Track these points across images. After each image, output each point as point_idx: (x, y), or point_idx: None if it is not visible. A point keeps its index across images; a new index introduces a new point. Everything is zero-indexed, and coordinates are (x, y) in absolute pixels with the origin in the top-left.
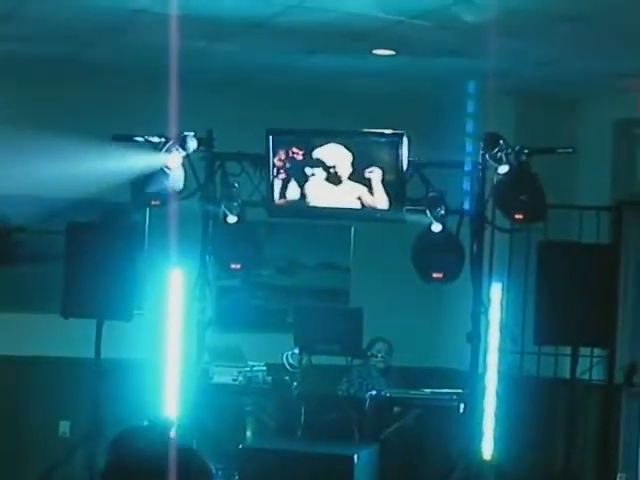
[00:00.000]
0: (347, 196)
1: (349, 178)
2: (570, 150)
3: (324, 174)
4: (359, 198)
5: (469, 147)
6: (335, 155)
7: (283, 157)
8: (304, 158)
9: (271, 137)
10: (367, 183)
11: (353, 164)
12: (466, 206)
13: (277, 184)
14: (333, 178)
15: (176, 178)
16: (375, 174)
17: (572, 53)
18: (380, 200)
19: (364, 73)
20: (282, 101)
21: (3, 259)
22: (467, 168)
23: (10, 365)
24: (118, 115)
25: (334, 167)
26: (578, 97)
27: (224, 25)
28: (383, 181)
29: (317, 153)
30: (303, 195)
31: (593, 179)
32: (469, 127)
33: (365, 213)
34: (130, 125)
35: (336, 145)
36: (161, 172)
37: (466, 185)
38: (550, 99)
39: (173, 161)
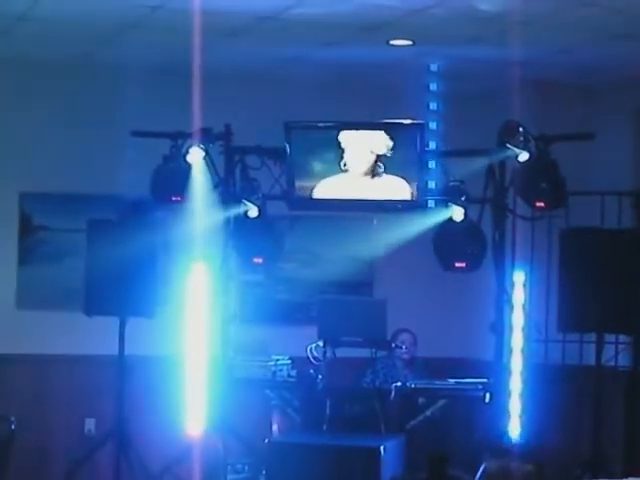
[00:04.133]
0: (368, 187)
1: (369, 169)
2: (590, 136)
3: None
4: (380, 189)
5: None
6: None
7: None
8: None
9: (290, 130)
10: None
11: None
12: (487, 195)
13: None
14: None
15: (196, 173)
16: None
17: (590, 39)
18: (401, 190)
19: (381, 64)
20: (300, 94)
21: (26, 257)
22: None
23: (35, 364)
24: (137, 112)
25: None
26: (597, 83)
27: (239, 19)
28: (403, 172)
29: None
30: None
31: (613, 165)
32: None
33: (386, 204)
34: (149, 121)
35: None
36: (181, 167)
37: (487, 174)
38: (569, 86)
39: (193, 156)
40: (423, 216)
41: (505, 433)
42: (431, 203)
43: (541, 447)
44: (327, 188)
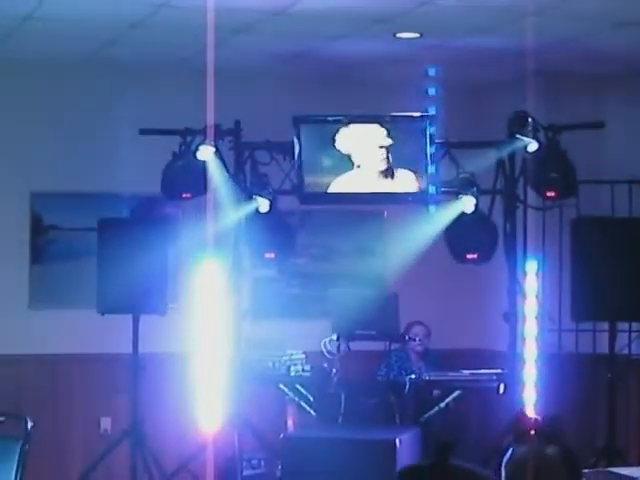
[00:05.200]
0: (378, 180)
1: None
2: (600, 125)
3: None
4: (390, 182)
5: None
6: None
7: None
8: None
9: (299, 124)
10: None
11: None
12: (498, 186)
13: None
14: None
15: (206, 170)
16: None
17: (598, 28)
18: (411, 183)
19: (389, 57)
20: (308, 88)
21: (37, 257)
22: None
23: (49, 364)
24: (145, 110)
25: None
26: (607, 72)
27: (246, 15)
28: (412, 164)
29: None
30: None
31: (623, 153)
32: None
33: (397, 197)
34: (158, 119)
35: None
36: (191, 164)
37: (497, 165)
38: (578, 76)
39: (203, 153)
40: (434, 208)
41: (531, 417)
42: (441, 195)
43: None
44: (340, 184)
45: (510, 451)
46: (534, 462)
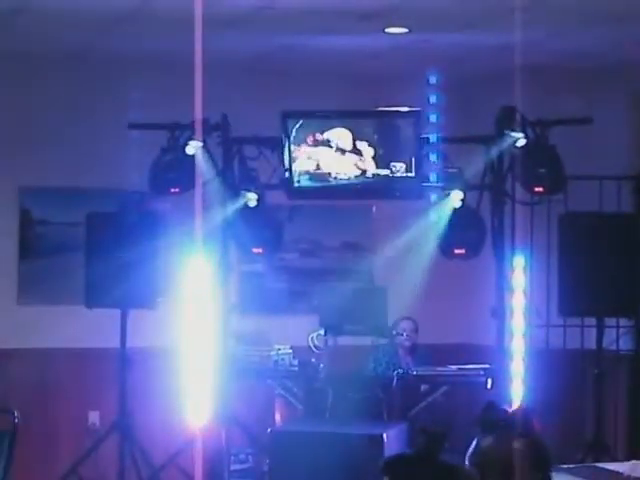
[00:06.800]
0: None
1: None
2: (588, 121)
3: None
4: (376, 175)
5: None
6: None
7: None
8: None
9: (287, 119)
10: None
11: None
12: (485, 181)
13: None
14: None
15: (194, 164)
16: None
17: (587, 23)
18: (399, 178)
19: (377, 52)
20: (297, 83)
21: (26, 252)
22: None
23: (37, 358)
24: (133, 103)
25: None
26: (595, 68)
27: (235, 8)
28: (401, 159)
29: (332, 133)
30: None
31: (611, 149)
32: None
33: (385, 192)
34: (147, 113)
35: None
36: (179, 159)
37: (485, 160)
38: (566, 71)
39: (191, 147)
40: (422, 203)
41: (500, 408)
42: (429, 190)
43: (542, 435)
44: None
45: (475, 442)
46: (498, 454)
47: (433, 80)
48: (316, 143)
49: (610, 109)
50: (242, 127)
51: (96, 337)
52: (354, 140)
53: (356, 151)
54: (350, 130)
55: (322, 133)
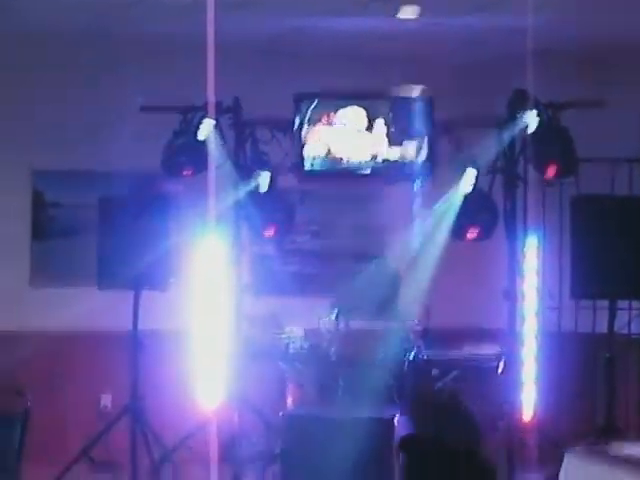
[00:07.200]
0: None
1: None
2: (600, 103)
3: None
4: (387, 160)
5: None
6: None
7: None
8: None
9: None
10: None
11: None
12: (498, 164)
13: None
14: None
15: (206, 147)
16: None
17: (599, 6)
18: (411, 161)
19: (389, 35)
20: (308, 65)
21: (38, 234)
22: None
23: (49, 340)
24: (146, 86)
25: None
26: (607, 51)
27: None
28: (412, 142)
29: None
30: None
31: (623, 131)
32: None
33: (397, 174)
34: (158, 95)
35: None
36: (191, 142)
37: (497, 143)
38: (579, 54)
39: (203, 130)
40: (433, 186)
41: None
42: (440, 173)
43: (554, 419)
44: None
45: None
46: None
47: (444, 63)
48: (330, 123)
49: (622, 92)
50: (254, 109)
51: (108, 319)
52: (369, 119)
53: (370, 129)
54: (365, 109)
55: (336, 112)
